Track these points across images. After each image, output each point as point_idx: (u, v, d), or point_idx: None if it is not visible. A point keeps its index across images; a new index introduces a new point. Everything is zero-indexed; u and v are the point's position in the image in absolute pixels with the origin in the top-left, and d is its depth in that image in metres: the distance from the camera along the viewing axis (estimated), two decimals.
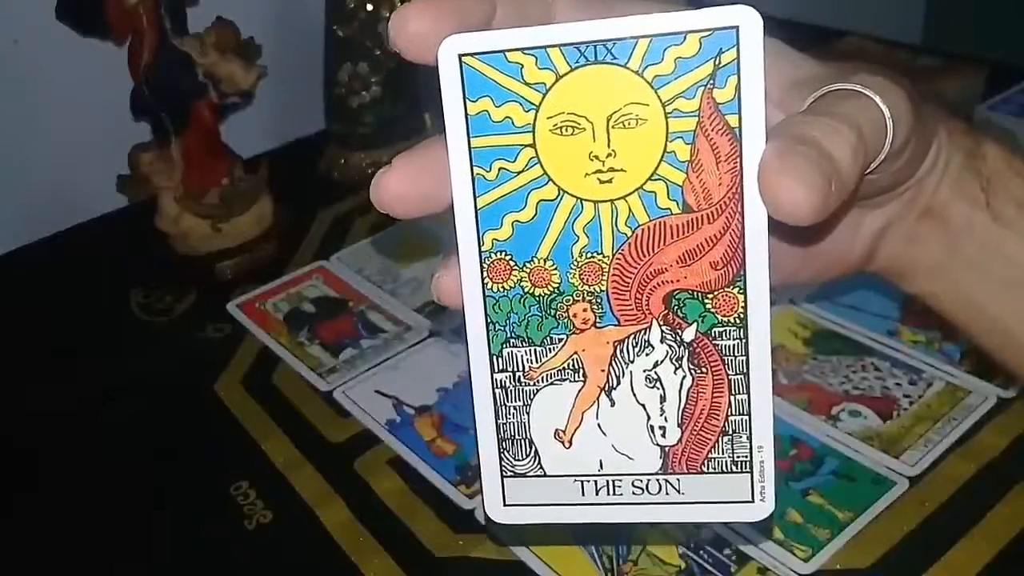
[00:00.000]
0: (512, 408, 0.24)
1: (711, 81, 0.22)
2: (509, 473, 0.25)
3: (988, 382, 0.45)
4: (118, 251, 0.65)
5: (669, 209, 0.23)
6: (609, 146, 0.22)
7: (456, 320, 0.53)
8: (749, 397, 0.23)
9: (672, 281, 0.23)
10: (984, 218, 0.29)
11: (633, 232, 0.23)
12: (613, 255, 0.23)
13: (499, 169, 0.23)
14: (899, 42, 0.75)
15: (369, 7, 0.65)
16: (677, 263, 0.23)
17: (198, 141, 0.58)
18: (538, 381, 0.24)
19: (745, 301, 0.23)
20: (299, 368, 0.52)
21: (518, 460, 0.24)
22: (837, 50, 0.72)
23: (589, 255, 0.23)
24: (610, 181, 0.23)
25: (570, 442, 0.24)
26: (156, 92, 0.56)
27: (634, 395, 0.24)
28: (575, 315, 0.24)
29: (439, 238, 0.61)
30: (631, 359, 0.24)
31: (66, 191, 0.69)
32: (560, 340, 0.24)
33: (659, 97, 0.22)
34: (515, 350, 0.24)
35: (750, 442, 0.24)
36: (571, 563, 0.38)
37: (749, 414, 0.23)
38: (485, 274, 0.24)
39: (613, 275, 0.23)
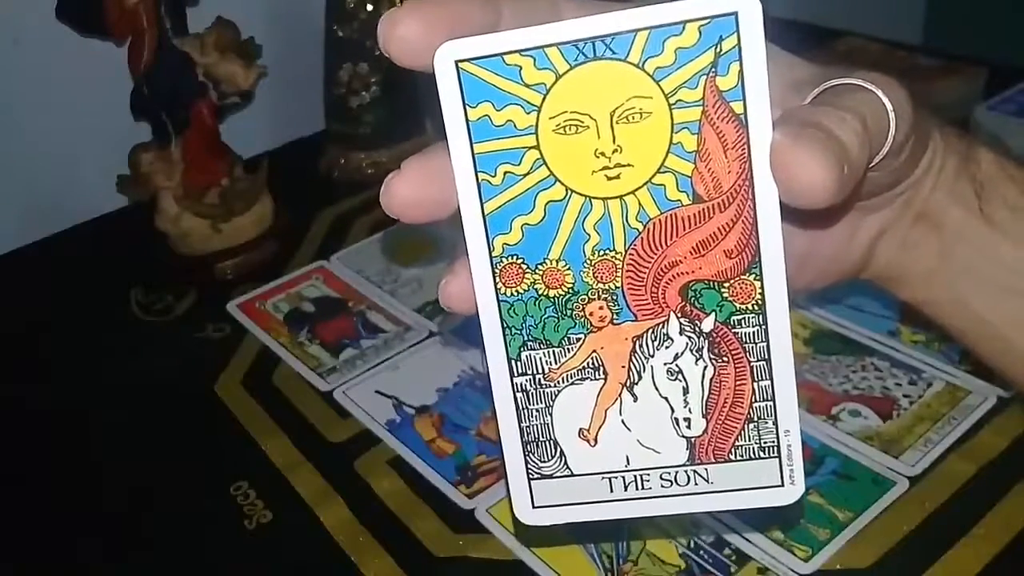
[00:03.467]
0: (534, 410, 0.24)
1: (713, 69, 0.21)
2: (536, 475, 0.25)
3: (988, 382, 0.45)
4: (118, 251, 0.65)
5: (679, 201, 0.23)
6: (614, 142, 0.22)
7: (457, 321, 0.53)
8: (772, 383, 0.23)
9: (687, 272, 0.23)
10: (977, 223, 0.29)
11: (644, 226, 0.23)
12: (626, 251, 0.23)
13: (504, 173, 0.23)
14: (899, 42, 0.75)
15: (369, 7, 0.65)
16: (691, 254, 0.23)
17: (198, 141, 0.58)
18: (559, 382, 0.24)
19: (762, 288, 0.23)
20: (299, 368, 0.52)
21: (544, 461, 0.24)
22: (837, 50, 0.72)
23: (602, 253, 0.23)
24: (618, 177, 0.22)
25: (595, 440, 0.24)
26: (156, 92, 0.56)
27: (656, 389, 0.24)
28: (591, 313, 0.24)
29: (439, 238, 0.61)
30: (651, 353, 0.24)
31: (66, 191, 0.69)
32: (578, 340, 0.24)
33: (662, 89, 0.22)
34: (533, 352, 0.24)
35: (776, 427, 0.24)
36: (571, 563, 0.38)
37: (773, 399, 0.24)
38: (498, 279, 0.23)
39: (627, 271, 0.23)
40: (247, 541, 0.42)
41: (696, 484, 0.24)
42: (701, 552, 0.38)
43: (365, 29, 0.65)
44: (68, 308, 0.60)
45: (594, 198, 0.23)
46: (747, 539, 0.38)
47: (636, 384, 0.24)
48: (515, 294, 0.23)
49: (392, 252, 0.61)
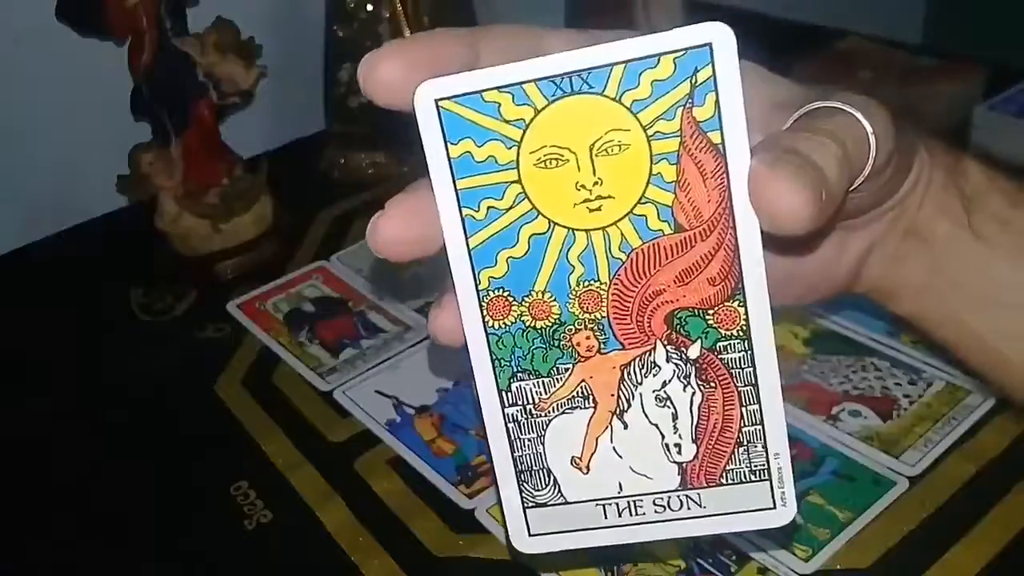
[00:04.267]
0: (527, 440, 0.25)
1: (690, 100, 0.22)
2: (531, 504, 0.25)
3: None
4: (118, 251, 0.65)
5: (661, 230, 0.23)
6: (595, 175, 0.22)
7: None
8: (760, 407, 0.24)
9: (671, 301, 0.23)
10: (966, 236, 0.29)
11: (628, 256, 0.23)
12: (610, 281, 0.23)
13: (488, 208, 0.23)
14: (899, 42, 0.75)
15: (369, 7, 0.65)
16: (675, 282, 0.23)
17: (198, 141, 0.58)
18: (549, 411, 0.24)
19: (746, 313, 0.23)
20: (299, 368, 0.52)
21: (538, 491, 0.25)
22: (837, 50, 0.72)
23: (586, 284, 0.23)
24: (599, 209, 0.23)
25: (588, 468, 0.25)
26: (156, 92, 0.56)
27: (646, 416, 0.24)
28: (579, 343, 0.24)
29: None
30: (639, 381, 0.24)
31: (66, 191, 0.69)
32: (567, 369, 0.24)
33: (639, 121, 0.22)
34: (523, 383, 0.24)
35: (766, 450, 0.24)
36: (571, 563, 0.38)
37: (762, 423, 0.24)
38: (485, 312, 0.24)
39: (612, 301, 0.23)
40: (247, 541, 0.42)
41: (689, 508, 0.24)
42: (701, 552, 0.38)
43: (365, 29, 0.65)
44: (68, 308, 0.60)
45: (577, 230, 0.23)
46: (747, 539, 0.38)
47: (625, 412, 0.24)
48: (503, 326, 0.24)
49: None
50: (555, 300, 0.24)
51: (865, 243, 0.30)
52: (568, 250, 0.23)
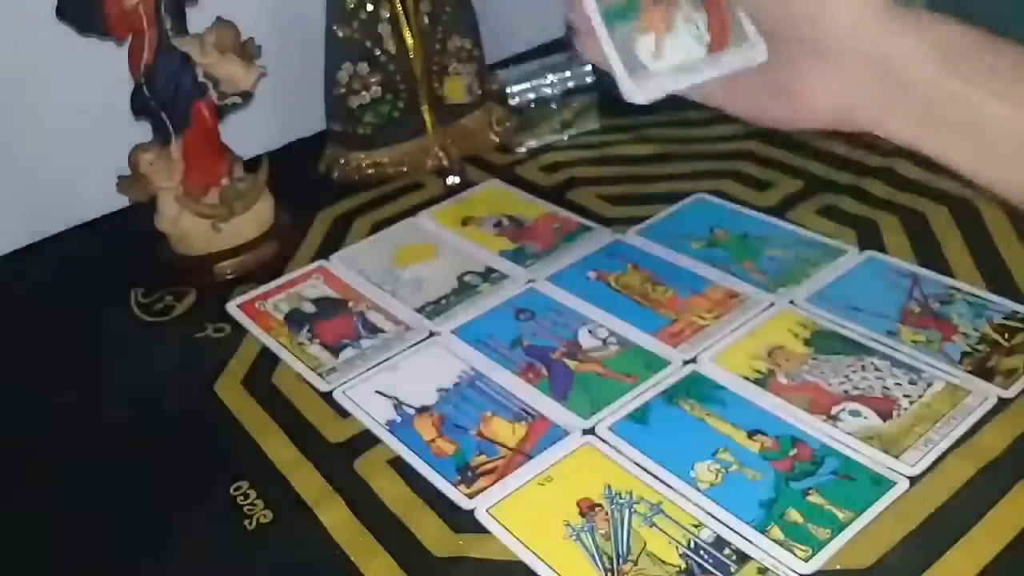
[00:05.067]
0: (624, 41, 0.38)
1: None
2: (631, 68, 0.37)
3: (988, 382, 0.45)
4: (118, 251, 0.65)
5: None
6: None
7: (455, 321, 0.53)
8: None
9: None
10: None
11: None
12: None
13: None
14: None
15: (369, 7, 0.65)
16: None
17: (198, 141, 0.58)
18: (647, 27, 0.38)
19: None
20: (299, 368, 0.52)
21: (635, 67, 0.37)
22: None
23: None
24: None
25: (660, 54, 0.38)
26: (156, 92, 0.56)
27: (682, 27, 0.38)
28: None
29: (438, 238, 0.62)
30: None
31: (67, 191, 0.69)
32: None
33: None
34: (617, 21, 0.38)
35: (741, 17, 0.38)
36: (571, 562, 0.38)
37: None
38: None
39: None
40: (247, 541, 0.42)
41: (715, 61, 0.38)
42: (701, 552, 0.38)
43: (365, 29, 0.65)
44: (69, 308, 0.60)
45: None
46: (747, 539, 0.39)
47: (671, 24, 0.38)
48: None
49: (392, 252, 0.61)
50: None
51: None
52: None
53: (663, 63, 0.38)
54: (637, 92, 0.38)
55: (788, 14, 0.36)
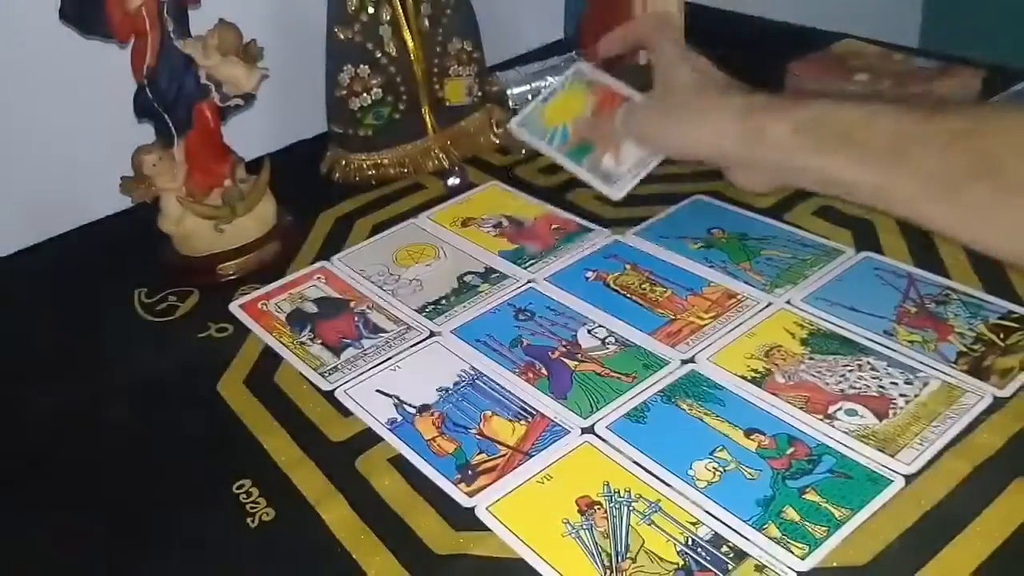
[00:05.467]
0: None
1: None
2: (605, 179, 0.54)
3: (984, 382, 0.45)
4: (122, 252, 0.65)
5: None
6: None
7: (455, 321, 0.54)
8: None
9: None
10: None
11: None
12: None
13: None
14: (896, 45, 0.75)
15: (370, 10, 0.65)
16: None
17: (201, 143, 0.59)
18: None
19: None
20: (301, 367, 0.52)
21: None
22: (832, 52, 0.73)
23: None
24: None
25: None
26: (159, 94, 0.56)
27: None
28: None
29: (439, 239, 0.62)
30: None
31: (70, 192, 0.69)
32: None
33: None
34: None
35: None
36: (571, 560, 0.39)
37: None
38: None
39: None
40: (249, 539, 0.42)
41: None
42: (699, 550, 0.39)
43: (366, 32, 0.66)
44: (72, 308, 0.61)
45: None
46: (745, 537, 0.39)
47: None
48: None
49: (393, 253, 0.61)
50: None
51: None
52: None
53: (624, 167, 0.55)
54: (616, 192, 0.55)
55: (665, 146, 0.54)
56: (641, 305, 0.54)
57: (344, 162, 0.70)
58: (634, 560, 0.38)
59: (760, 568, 0.38)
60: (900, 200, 0.43)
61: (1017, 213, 0.39)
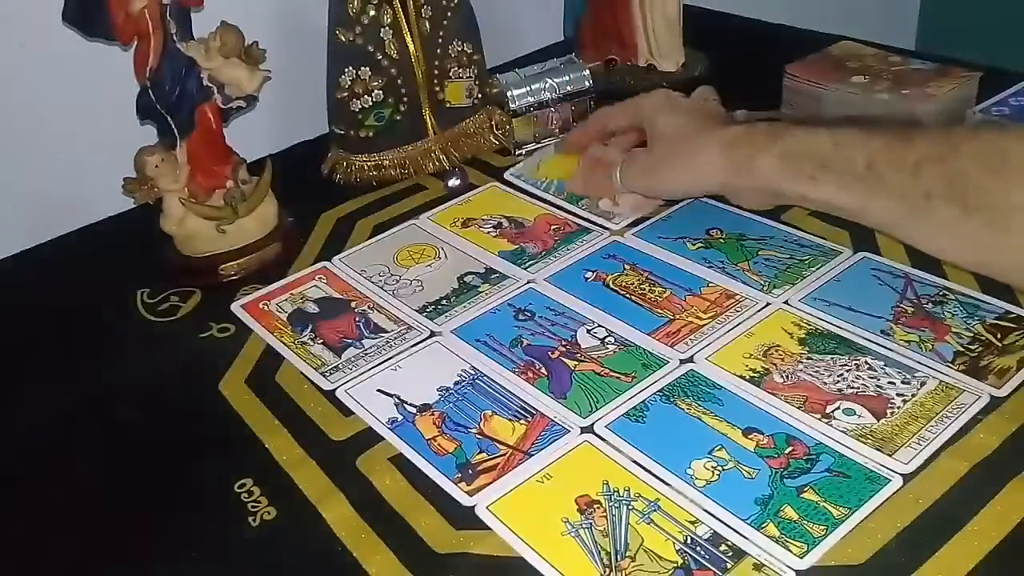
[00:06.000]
0: None
1: None
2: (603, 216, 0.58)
3: (981, 381, 0.46)
4: (124, 252, 0.65)
5: None
6: None
7: (456, 321, 0.54)
8: None
9: None
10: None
11: None
12: None
13: None
14: (893, 47, 0.76)
15: (372, 12, 0.66)
16: None
17: (203, 144, 0.59)
18: None
19: None
20: (302, 367, 0.52)
21: None
22: (831, 55, 0.73)
23: None
24: None
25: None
26: (161, 95, 0.57)
27: None
28: None
29: (439, 240, 0.62)
30: None
31: (73, 193, 0.70)
32: None
33: None
34: None
35: None
36: (570, 559, 0.39)
37: None
38: None
39: None
40: (251, 538, 0.42)
41: None
42: (698, 548, 0.39)
43: (367, 34, 0.66)
44: (74, 309, 0.61)
45: None
46: (743, 535, 0.39)
47: None
48: None
49: (394, 253, 0.61)
50: None
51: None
52: None
53: (623, 209, 0.62)
54: (615, 226, 0.61)
55: (663, 191, 0.60)
56: (640, 305, 0.54)
57: (345, 163, 0.71)
58: (633, 559, 0.39)
59: (759, 567, 0.38)
60: (880, 221, 0.48)
61: (980, 229, 0.42)
